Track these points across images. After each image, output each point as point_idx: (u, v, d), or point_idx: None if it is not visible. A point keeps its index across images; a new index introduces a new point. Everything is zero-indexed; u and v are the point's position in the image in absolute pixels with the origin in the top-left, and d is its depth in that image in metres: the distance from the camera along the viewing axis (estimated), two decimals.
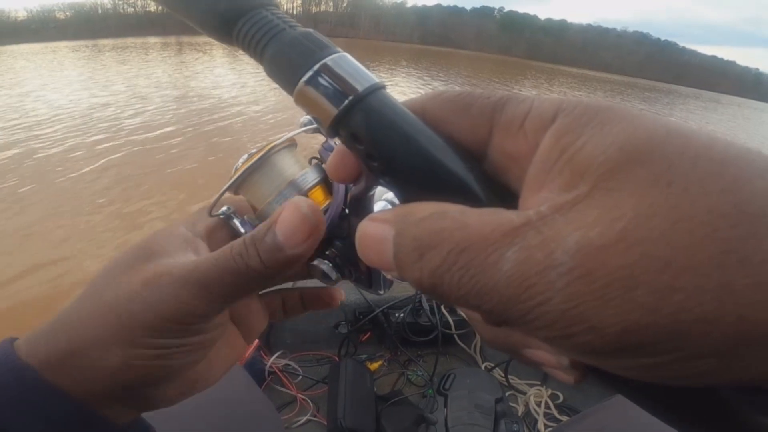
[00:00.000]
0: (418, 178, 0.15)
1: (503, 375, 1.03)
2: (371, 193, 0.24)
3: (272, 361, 0.99)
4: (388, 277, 0.24)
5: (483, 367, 1.08)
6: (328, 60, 0.16)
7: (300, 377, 1.00)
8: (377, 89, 0.16)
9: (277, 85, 0.17)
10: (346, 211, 0.24)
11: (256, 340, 0.92)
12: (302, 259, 0.20)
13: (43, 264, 2.14)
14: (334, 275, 0.24)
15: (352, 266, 0.24)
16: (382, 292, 0.25)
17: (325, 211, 0.24)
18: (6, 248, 2.26)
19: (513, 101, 0.14)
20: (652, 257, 0.09)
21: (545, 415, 0.97)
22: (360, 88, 0.16)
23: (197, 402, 0.46)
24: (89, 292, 0.22)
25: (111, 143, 4.03)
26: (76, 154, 3.71)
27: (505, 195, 0.14)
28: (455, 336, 1.08)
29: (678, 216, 0.09)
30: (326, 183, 0.25)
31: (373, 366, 1.03)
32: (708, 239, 0.09)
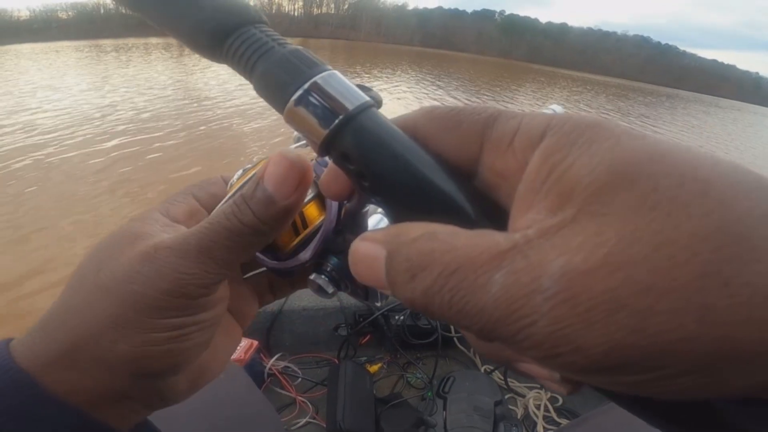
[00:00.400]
0: (409, 198, 0.15)
1: (502, 378, 1.04)
2: (365, 209, 0.24)
3: (272, 363, 0.99)
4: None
5: (482, 369, 1.08)
6: (317, 78, 0.16)
7: (299, 379, 1.00)
8: (367, 108, 0.16)
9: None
10: (341, 226, 0.24)
11: (256, 342, 0.92)
12: (296, 210, 0.20)
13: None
14: (330, 289, 0.24)
15: (348, 280, 0.24)
16: (378, 304, 0.26)
17: (319, 227, 0.24)
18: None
19: (503, 118, 0.14)
20: (634, 281, 0.10)
21: (544, 418, 0.97)
22: (350, 106, 0.15)
23: (198, 403, 0.46)
24: (79, 281, 0.20)
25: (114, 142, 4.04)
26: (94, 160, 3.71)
27: (496, 213, 0.14)
28: (455, 339, 1.08)
29: (660, 240, 0.10)
30: (321, 198, 0.25)
31: (373, 368, 1.03)
32: (689, 263, 0.09)
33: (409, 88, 10.74)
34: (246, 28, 0.17)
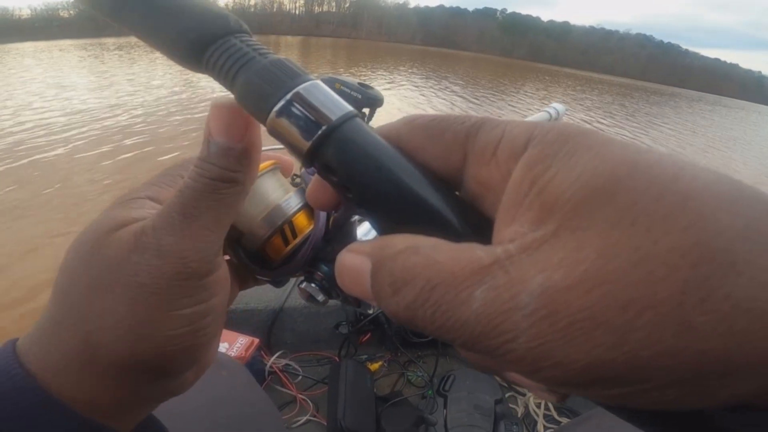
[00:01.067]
0: (393, 210, 0.15)
1: None
2: (354, 219, 0.24)
3: (272, 361, 0.99)
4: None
5: None
6: (300, 89, 0.15)
7: (300, 377, 1.01)
8: (351, 118, 0.15)
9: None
10: (330, 235, 0.24)
11: (257, 340, 0.92)
12: (256, 146, 0.19)
13: None
14: (320, 297, 0.24)
15: (339, 288, 0.24)
16: (371, 311, 0.26)
17: (309, 236, 0.24)
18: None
19: (486, 127, 0.14)
20: (612, 298, 0.10)
21: (545, 416, 0.97)
22: (333, 117, 0.15)
23: (201, 400, 0.46)
24: (70, 281, 0.19)
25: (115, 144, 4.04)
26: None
27: (482, 223, 0.14)
28: None
29: (639, 257, 0.10)
30: (310, 207, 0.24)
31: (374, 366, 1.03)
32: (668, 279, 0.09)
33: (416, 86, 10.74)
34: (227, 38, 0.17)
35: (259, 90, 0.16)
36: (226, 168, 0.18)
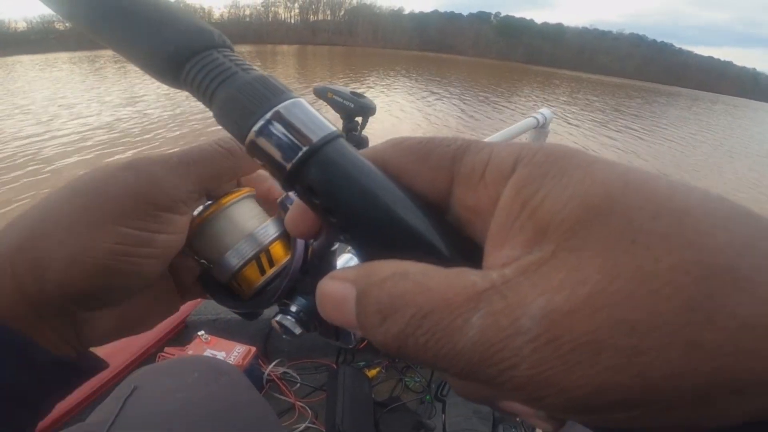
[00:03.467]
0: (379, 235, 0.14)
1: None
2: (334, 247, 0.22)
3: (270, 368, 0.99)
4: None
5: None
6: (280, 107, 0.15)
7: (298, 384, 1.01)
8: (333, 139, 0.15)
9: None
10: (308, 266, 0.23)
11: (254, 348, 0.92)
12: None
13: None
14: (297, 330, 0.23)
15: (317, 320, 0.23)
16: (351, 346, 0.24)
17: (285, 266, 0.23)
18: None
19: (472, 150, 0.14)
20: (617, 320, 0.09)
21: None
22: (315, 138, 0.14)
23: (200, 406, 0.46)
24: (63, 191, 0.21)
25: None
26: None
27: (470, 249, 0.14)
28: None
29: (642, 276, 0.10)
30: (287, 237, 0.24)
31: (371, 373, 1.03)
32: (673, 298, 0.09)
33: (420, 91, 10.77)
34: (208, 52, 0.16)
35: (238, 108, 0.15)
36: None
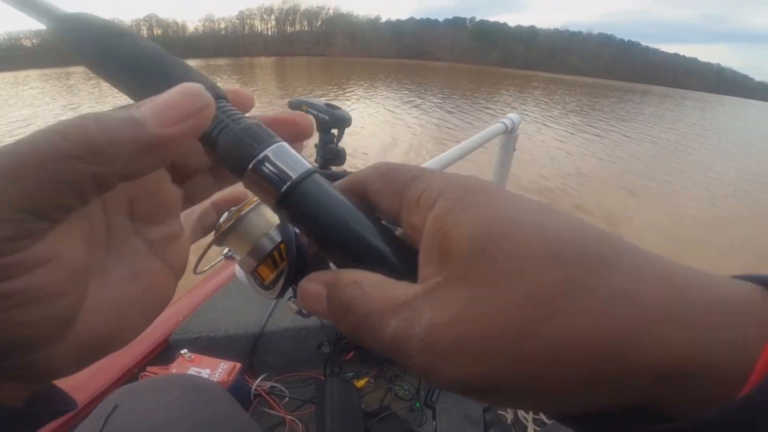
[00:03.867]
0: (345, 252, 0.18)
1: None
2: None
3: (257, 383, 0.97)
4: None
5: None
6: (267, 151, 0.18)
7: (287, 398, 0.99)
8: (309, 175, 0.18)
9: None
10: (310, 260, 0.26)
11: (239, 364, 0.91)
12: (172, 147, 0.16)
13: None
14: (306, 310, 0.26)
15: None
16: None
17: (288, 264, 0.27)
18: None
19: (418, 180, 0.17)
20: (472, 332, 0.13)
21: (534, 420, 0.97)
22: (294, 175, 0.18)
23: (181, 422, 0.45)
24: None
25: None
26: None
27: (416, 259, 0.17)
28: None
29: (491, 305, 0.13)
30: (287, 242, 0.27)
31: (360, 383, 1.03)
32: (507, 322, 0.13)
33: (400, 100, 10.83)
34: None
35: (236, 152, 0.18)
36: (111, 140, 0.14)
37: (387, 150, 6.03)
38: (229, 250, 0.29)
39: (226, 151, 0.19)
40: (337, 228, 0.18)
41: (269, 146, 0.18)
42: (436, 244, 0.15)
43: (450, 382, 0.14)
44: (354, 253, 0.18)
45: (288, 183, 0.18)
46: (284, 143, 0.19)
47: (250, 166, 0.18)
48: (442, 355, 0.14)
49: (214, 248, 0.28)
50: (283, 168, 0.18)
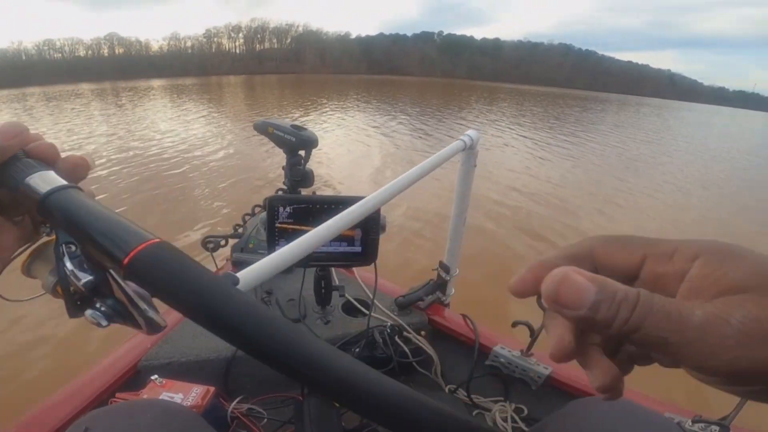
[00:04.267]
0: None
1: (467, 395, 1.04)
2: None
3: (233, 406, 0.96)
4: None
5: (446, 389, 1.09)
6: (33, 176, 0.26)
7: (265, 420, 0.98)
8: (63, 189, 0.25)
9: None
10: (110, 272, 0.26)
11: (213, 388, 0.89)
12: None
13: None
14: (104, 323, 0.27)
15: (121, 314, 0.27)
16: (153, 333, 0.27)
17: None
18: None
19: (663, 242, 0.22)
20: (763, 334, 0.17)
21: (513, 429, 0.98)
22: (48, 188, 0.25)
23: None
24: None
25: None
26: None
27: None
28: (414, 363, 1.09)
29: None
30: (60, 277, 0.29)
31: None
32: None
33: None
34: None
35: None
36: None
37: (353, 171, 5.94)
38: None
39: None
40: (95, 226, 0.23)
41: (36, 173, 0.26)
42: (708, 283, 0.19)
43: (743, 368, 0.17)
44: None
45: (42, 193, 0.24)
46: (51, 171, 0.26)
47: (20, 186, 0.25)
48: (755, 341, 0.17)
49: None
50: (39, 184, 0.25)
